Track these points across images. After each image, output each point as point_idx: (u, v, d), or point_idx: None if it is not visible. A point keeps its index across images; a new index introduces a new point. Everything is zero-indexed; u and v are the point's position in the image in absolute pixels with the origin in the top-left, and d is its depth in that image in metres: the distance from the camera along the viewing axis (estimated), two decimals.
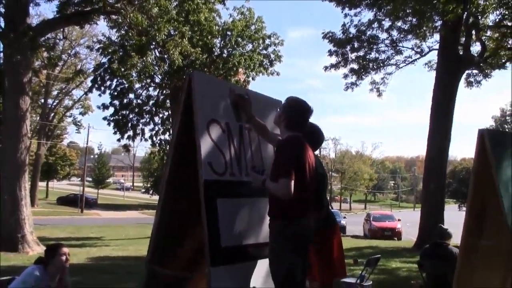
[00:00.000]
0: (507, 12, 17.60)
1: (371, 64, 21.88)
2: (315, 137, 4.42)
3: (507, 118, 58.96)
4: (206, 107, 3.93)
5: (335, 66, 21.66)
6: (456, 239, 6.30)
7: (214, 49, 22.41)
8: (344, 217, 31.06)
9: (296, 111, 3.83)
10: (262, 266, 3.90)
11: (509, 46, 19.20)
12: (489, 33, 20.08)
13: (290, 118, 3.80)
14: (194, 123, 3.84)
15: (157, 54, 21.94)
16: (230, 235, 3.81)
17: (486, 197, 6.05)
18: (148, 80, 22.53)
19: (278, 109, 4.04)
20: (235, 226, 3.89)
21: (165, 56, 21.26)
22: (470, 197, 6.12)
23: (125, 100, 22.01)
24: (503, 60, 19.70)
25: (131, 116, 22.36)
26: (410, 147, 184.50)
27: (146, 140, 22.55)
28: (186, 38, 20.01)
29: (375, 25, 20.72)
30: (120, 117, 21.87)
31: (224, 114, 4.12)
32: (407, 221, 29.70)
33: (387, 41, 21.35)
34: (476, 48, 19.90)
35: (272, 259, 3.65)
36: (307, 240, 3.69)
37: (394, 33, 20.97)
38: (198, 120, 3.83)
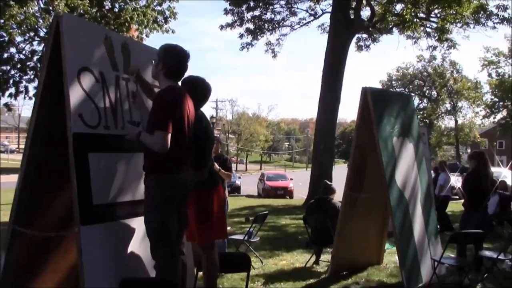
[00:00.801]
0: None
1: (266, 25, 21.88)
2: (200, 90, 4.23)
3: (393, 82, 62.47)
4: (76, 54, 3.56)
5: (231, 25, 21.46)
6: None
7: (105, 3, 21.18)
8: (239, 178, 31.49)
9: (174, 57, 3.62)
10: (140, 224, 3.70)
11: (396, 12, 20.06)
12: None
13: (169, 66, 3.60)
14: (62, 71, 3.48)
15: (42, 5, 20.33)
16: (103, 192, 3.55)
17: (367, 153, 6.29)
18: (32, 34, 20.82)
19: (153, 61, 3.77)
20: (109, 182, 3.63)
21: (50, 8, 19.76)
22: (352, 153, 6.34)
23: (5, 55, 20.19)
24: (390, 26, 20.58)
25: (12, 72, 20.63)
26: (305, 109, 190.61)
27: (30, 98, 20.94)
28: None
29: None
30: (0, 73, 20.09)
31: (98, 62, 3.77)
32: (300, 181, 30.79)
33: (282, 2, 21.43)
34: (366, 12, 20.60)
35: (147, 213, 3.49)
36: (182, 193, 3.56)
37: None
38: (67, 68, 3.46)
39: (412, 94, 61.98)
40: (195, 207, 4.00)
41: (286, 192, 26.35)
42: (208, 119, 4.53)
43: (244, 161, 77.57)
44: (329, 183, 7.26)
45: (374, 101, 5.99)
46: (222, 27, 21.70)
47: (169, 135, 3.34)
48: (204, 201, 4.09)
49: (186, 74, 3.92)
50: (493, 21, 18.41)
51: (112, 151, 3.75)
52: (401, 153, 6.17)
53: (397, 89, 60.31)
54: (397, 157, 6.04)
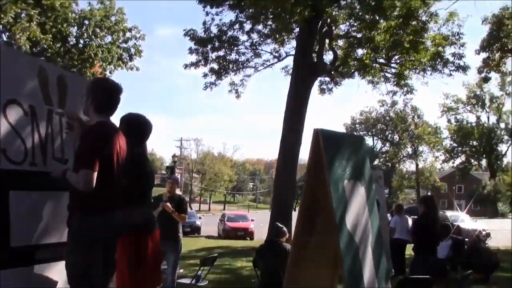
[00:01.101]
0: (355, 24, 18.84)
1: (231, 65, 22.06)
2: (139, 127, 4.07)
3: (357, 126, 63.66)
4: (4, 86, 3.36)
5: (195, 64, 21.53)
6: None
7: (69, 38, 21.07)
8: (200, 218, 31.00)
9: (104, 91, 3.47)
10: (63, 269, 3.45)
11: (357, 56, 20.54)
12: (341, 43, 21.33)
13: (99, 100, 3.43)
14: None
15: (4, 38, 20.04)
16: (23, 234, 3.30)
17: (318, 195, 6.18)
18: None
19: (84, 97, 3.60)
20: (32, 223, 3.39)
21: (12, 41, 19.49)
22: (304, 195, 6.22)
23: None
24: (352, 70, 21.02)
25: None
26: (270, 150, 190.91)
27: None
28: (35, 22, 18.52)
29: (237, 26, 20.93)
30: None
31: (29, 95, 3.57)
32: (262, 222, 30.43)
33: (247, 43, 21.70)
34: (329, 56, 21.01)
35: (68, 257, 3.25)
36: (109, 236, 3.34)
37: (255, 36, 21.37)
38: None
39: (375, 138, 63.51)
40: (128, 252, 3.76)
41: (247, 233, 26.02)
42: (148, 156, 4.37)
43: (208, 201, 76.80)
44: (280, 225, 7.10)
45: (326, 142, 5.92)
46: (186, 66, 21.77)
47: (95, 174, 3.15)
48: (138, 246, 3.85)
49: (124, 110, 3.77)
50: (449, 68, 19.03)
51: (38, 189, 3.51)
52: (352, 196, 6.08)
53: (361, 133, 61.46)
54: (347, 200, 5.94)
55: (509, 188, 59.80)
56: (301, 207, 6.23)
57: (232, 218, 28.50)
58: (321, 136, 5.99)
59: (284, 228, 6.96)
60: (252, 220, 28.34)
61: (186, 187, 69.74)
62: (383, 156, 61.76)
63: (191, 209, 45.06)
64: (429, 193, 64.14)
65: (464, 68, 19.01)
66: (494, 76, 32.78)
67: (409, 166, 61.73)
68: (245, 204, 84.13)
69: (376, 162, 58.83)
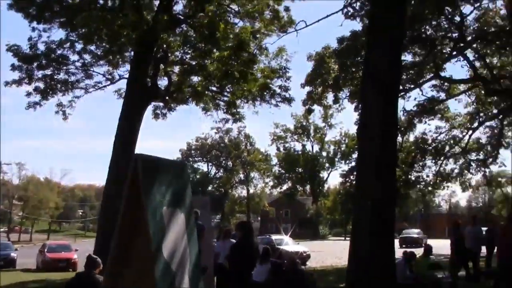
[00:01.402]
0: (189, 51, 19.20)
1: (59, 85, 20.82)
2: None
3: (192, 152, 64.51)
4: None
5: (18, 82, 19.93)
6: None
7: None
8: (16, 249, 28.14)
9: None
10: None
11: (191, 83, 20.83)
12: (176, 69, 21.48)
13: None
14: None
15: None
16: None
17: (136, 223, 5.98)
18: None
19: None
20: None
21: None
22: (120, 222, 5.97)
23: None
24: (187, 96, 21.23)
25: None
26: (102, 175, 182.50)
27: None
28: None
29: (67, 45, 19.89)
30: None
31: None
32: (89, 251, 28.78)
33: (78, 63, 20.74)
34: (164, 81, 21.01)
35: None
36: None
37: (87, 56, 20.57)
38: None
39: (210, 164, 64.88)
40: None
41: (70, 265, 24.10)
42: None
43: (30, 231, 70.58)
44: (94, 256, 6.70)
45: (145, 169, 5.79)
46: (7, 83, 20.07)
47: None
48: None
49: None
50: (276, 99, 20.34)
51: None
52: (170, 224, 5.99)
53: (196, 159, 62.41)
54: (165, 228, 5.85)
55: (329, 212, 65.38)
56: (116, 235, 5.96)
57: (53, 248, 26.16)
58: (140, 161, 5.84)
59: (98, 259, 6.60)
60: (76, 250, 26.46)
61: (5, 216, 63.44)
62: (217, 182, 63.28)
63: (9, 240, 40.95)
64: (258, 218, 67.21)
65: (289, 100, 20.51)
66: (318, 109, 35.77)
67: (241, 191, 64.21)
68: (72, 233, 78.89)
69: (209, 188, 60.04)
